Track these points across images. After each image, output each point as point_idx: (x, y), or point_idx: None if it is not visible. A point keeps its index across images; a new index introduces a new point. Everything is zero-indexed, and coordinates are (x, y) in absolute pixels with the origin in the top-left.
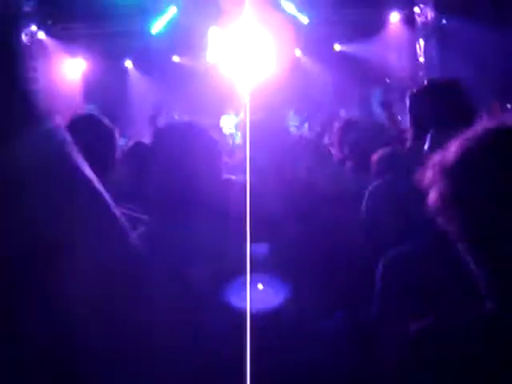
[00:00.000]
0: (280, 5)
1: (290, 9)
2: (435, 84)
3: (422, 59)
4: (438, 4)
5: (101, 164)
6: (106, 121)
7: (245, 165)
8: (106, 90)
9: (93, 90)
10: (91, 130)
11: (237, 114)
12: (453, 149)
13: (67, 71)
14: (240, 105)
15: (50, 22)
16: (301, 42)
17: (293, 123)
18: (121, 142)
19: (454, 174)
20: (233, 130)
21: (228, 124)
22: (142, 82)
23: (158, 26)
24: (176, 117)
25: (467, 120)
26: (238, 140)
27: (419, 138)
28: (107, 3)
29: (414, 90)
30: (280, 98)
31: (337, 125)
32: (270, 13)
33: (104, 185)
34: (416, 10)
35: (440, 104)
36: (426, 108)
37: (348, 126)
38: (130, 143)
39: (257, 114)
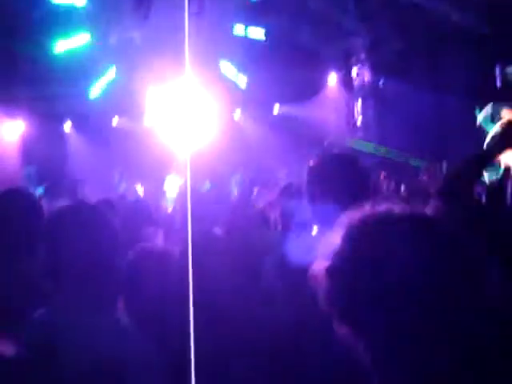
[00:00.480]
0: (220, 68)
1: (229, 71)
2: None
3: (359, 120)
4: (375, 65)
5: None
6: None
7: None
8: (45, 152)
9: (32, 152)
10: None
11: (179, 176)
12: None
13: (5, 133)
14: (182, 167)
15: None
16: (240, 103)
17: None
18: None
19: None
20: (175, 194)
21: (172, 187)
22: (81, 144)
23: (96, 89)
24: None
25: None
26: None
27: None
28: (47, 66)
29: (311, 163)
30: (221, 162)
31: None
32: (209, 74)
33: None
34: (353, 71)
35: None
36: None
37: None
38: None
39: (198, 179)
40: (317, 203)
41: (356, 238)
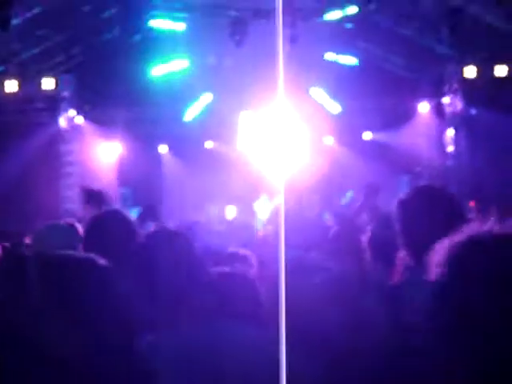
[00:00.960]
0: (312, 95)
1: (321, 98)
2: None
3: (450, 148)
4: (467, 95)
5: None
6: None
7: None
8: (141, 174)
9: (128, 173)
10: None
11: (270, 199)
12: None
13: (103, 154)
14: (273, 191)
15: (87, 107)
16: (332, 130)
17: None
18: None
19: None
20: (267, 216)
21: (262, 209)
22: (176, 166)
23: (192, 113)
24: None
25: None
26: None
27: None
28: (145, 90)
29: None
30: (312, 187)
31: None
32: (303, 101)
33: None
34: (445, 100)
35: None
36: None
37: None
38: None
39: (290, 203)
40: (408, 236)
41: (464, 254)
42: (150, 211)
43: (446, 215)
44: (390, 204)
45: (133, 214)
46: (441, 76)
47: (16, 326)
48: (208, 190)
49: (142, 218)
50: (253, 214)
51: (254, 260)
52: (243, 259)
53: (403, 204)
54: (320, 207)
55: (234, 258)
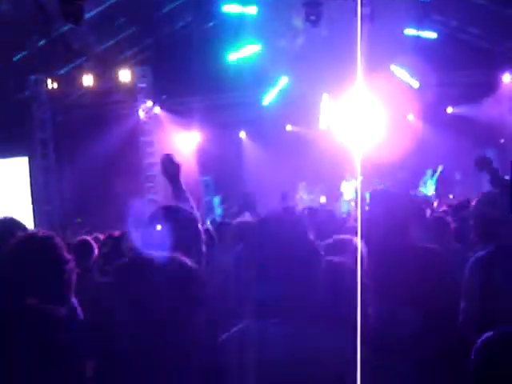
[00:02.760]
0: (391, 71)
1: (402, 74)
2: None
3: None
4: None
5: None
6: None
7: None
8: (221, 161)
9: (208, 161)
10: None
11: (355, 179)
12: None
13: (182, 144)
14: (357, 170)
15: (164, 97)
16: (413, 106)
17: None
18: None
19: None
20: (353, 195)
21: (348, 189)
22: (256, 151)
23: (269, 97)
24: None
25: None
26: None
27: None
28: (220, 76)
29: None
30: (396, 164)
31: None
32: (382, 79)
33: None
34: None
35: None
36: None
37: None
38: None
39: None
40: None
41: None
42: (246, 201)
43: None
44: (480, 177)
45: (215, 200)
46: None
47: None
48: (292, 174)
49: (240, 207)
50: (339, 195)
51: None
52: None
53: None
54: (407, 184)
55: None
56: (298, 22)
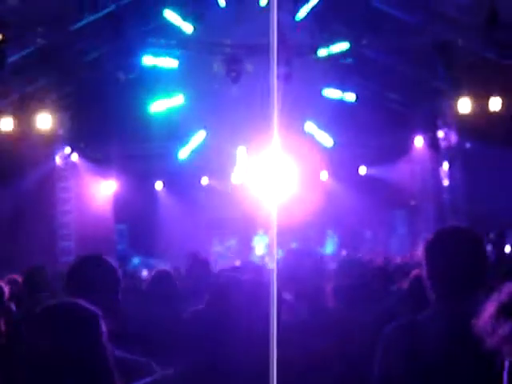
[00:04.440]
0: (308, 130)
1: (315, 132)
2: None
3: (446, 182)
4: (461, 128)
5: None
6: (111, 261)
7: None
8: (137, 210)
9: (123, 210)
10: (97, 271)
11: (266, 234)
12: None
13: (99, 192)
14: (268, 225)
15: (82, 145)
16: (326, 164)
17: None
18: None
19: None
20: (264, 251)
21: (259, 245)
22: (171, 202)
23: (186, 150)
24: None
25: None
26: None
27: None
28: (139, 126)
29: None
30: (307, 221)
31: None
32: (296, 134)
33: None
34: (440, 134)
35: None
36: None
37: None
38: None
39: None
40: (438, 283)
41: None
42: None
43: (477, 263)
44: (389, 237)
45: (134, 264)
46: (435, 110)
47: None
48: (206, 226)
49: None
50: (250, 249)
51: None
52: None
53: (431, 246)
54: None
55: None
56: (218, 77)
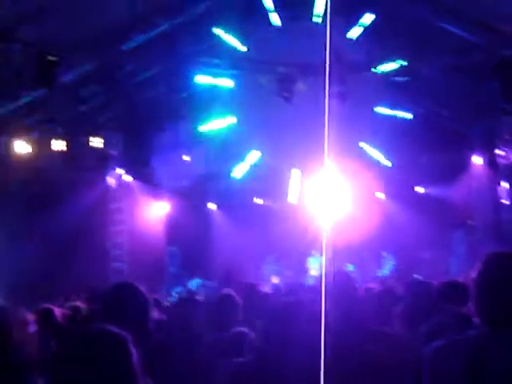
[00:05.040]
0: (362, 149)
1: (372, 152)
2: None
3: (504, 201)
4: None
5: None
6: (142, 289)
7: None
8: (189, 232)
9: (175, 231)
10: (128, 299)
11: (321, 255)
12: None
13: (152, 213)
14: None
15: (135, 166)
16: (382, 183)
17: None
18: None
19: None
20: (319, 272)
21: (314, 266)
22: (225, 223)
23: (240, 170)
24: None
25: None
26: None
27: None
28: (191, 147)
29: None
30: (363, 242)
31: None
32: (351, 154)
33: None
34: (498, 152)
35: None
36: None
37: None
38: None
39: (341, 259)
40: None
41: None
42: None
43: None
44: (447, 258)
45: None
46: (493, 128)
47: None
48: (261, 246)
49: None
50: (305, 270)
51: None
52: None
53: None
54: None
55: None
56: (271, 96)
